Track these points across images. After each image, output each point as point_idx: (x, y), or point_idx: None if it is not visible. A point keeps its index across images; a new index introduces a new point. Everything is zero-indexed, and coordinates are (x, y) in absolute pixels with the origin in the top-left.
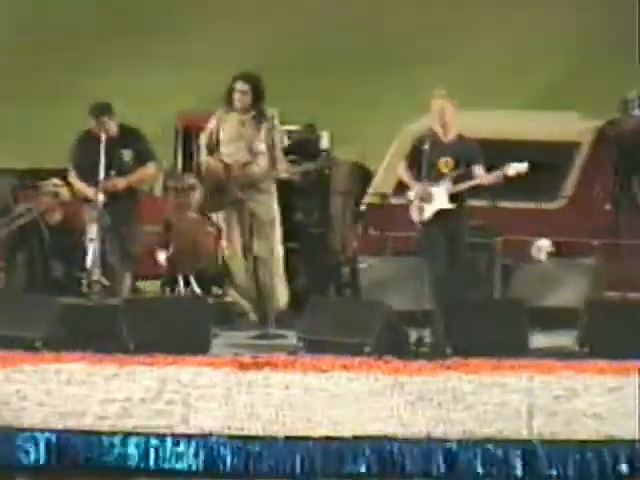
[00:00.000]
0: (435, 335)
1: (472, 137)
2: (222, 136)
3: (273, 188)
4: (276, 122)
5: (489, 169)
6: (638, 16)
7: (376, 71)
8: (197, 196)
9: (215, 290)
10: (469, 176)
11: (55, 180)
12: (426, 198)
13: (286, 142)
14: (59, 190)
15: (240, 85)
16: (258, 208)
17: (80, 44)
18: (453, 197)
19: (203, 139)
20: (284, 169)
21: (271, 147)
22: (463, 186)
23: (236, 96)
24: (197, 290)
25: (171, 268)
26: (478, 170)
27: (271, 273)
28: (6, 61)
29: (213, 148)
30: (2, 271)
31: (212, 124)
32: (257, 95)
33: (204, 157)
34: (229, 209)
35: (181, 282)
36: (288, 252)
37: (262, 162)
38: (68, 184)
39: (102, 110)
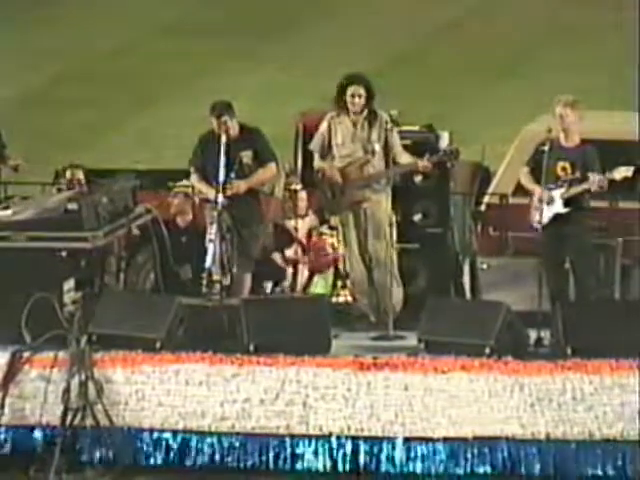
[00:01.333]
0: (555, 336)
1: (592, 140)
2: (337, 139)
3: (388, 188)
4: (389, 122)
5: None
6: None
7: (496, 71)
8: (303, 201)
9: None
10: (583, 182)
11: (186, 181)
12: (544, 201)
13: (404, 142)
14: (189, 191)
15: (354, 88)
16: (374, 209)
17: (199, 45)
18: (568, 201)
19: (314, 144)
20: (407, 162)
21: (385, 147)
22: (574, 191)
23: (350, 99)
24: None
25: None
26: (591, 177)
27: (389, 274)
28: (130, 66)
29: (325, 152)
30: (122, 272)
31: (323, 128)
32: (369, 96)
33: (317, 162)
34: (345, 211)
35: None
36: (407, 253)
37: (377, 162)
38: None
39: (223, 109)
